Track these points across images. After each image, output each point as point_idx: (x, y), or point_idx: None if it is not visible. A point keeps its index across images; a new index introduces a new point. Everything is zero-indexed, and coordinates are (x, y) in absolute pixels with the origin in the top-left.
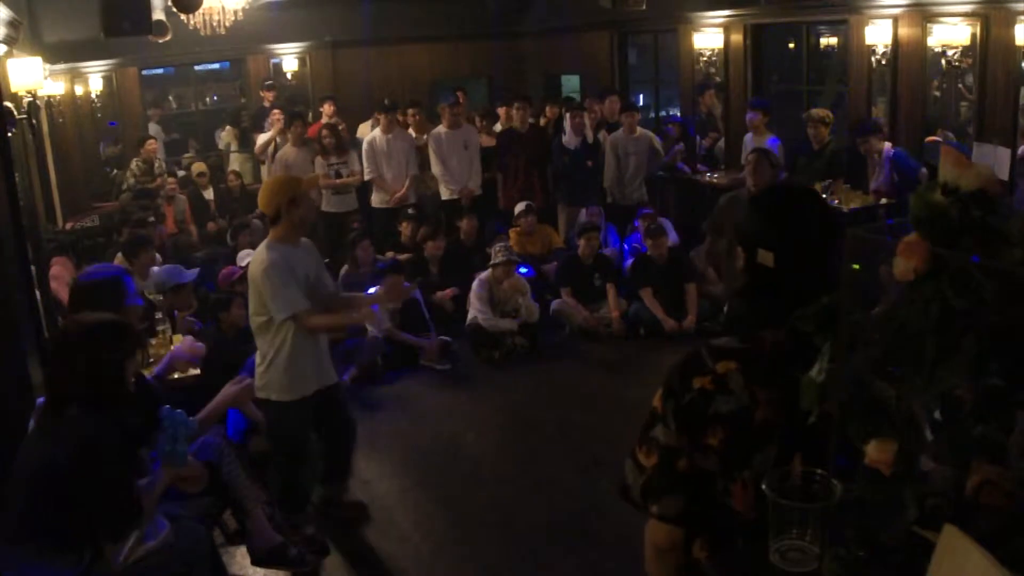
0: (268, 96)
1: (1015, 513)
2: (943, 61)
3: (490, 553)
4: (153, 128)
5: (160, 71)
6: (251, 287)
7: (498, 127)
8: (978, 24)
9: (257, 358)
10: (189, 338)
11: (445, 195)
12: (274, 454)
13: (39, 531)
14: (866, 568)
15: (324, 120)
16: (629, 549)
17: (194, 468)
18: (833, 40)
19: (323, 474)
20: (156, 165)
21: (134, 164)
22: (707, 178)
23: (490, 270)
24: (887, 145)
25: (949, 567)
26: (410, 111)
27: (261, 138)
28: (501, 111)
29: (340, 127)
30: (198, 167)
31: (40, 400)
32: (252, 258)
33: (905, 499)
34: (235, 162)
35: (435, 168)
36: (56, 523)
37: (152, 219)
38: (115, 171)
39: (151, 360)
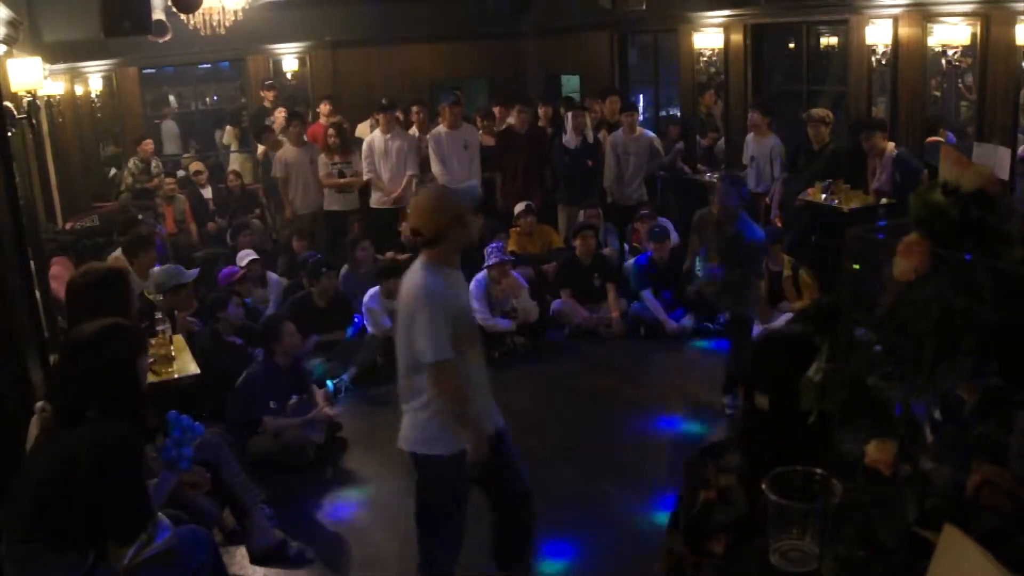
0: (268, 96)
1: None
2: (943, 61)
3: (489, 553)
4: (169, 125)
5: (160, 71)
6: (403, 314)
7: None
8: (978, 24)
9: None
10: (200, 469)
11: None
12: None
13: (46, 531)
14: (866, 568)
15: (322, 120)
16: (629, 549)
17: (198, 472)
18: (833, 40)
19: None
20: (153, 165)
21: (132, 163)
22: (707, 178)
23: (485, 271)
24: (891, 145)
25: (949, 567)
26: (414, 108)
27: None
28: (496, 110)
29: (344, 126)
30: (195, 166)
31: (38, 403)
32: (408, 281)
33: (905, 499)
34: (235, 162)
35: (435, 168)
36: (64, 524)
37: (140, 216)
38: (114, 171)
39: (151, 360)
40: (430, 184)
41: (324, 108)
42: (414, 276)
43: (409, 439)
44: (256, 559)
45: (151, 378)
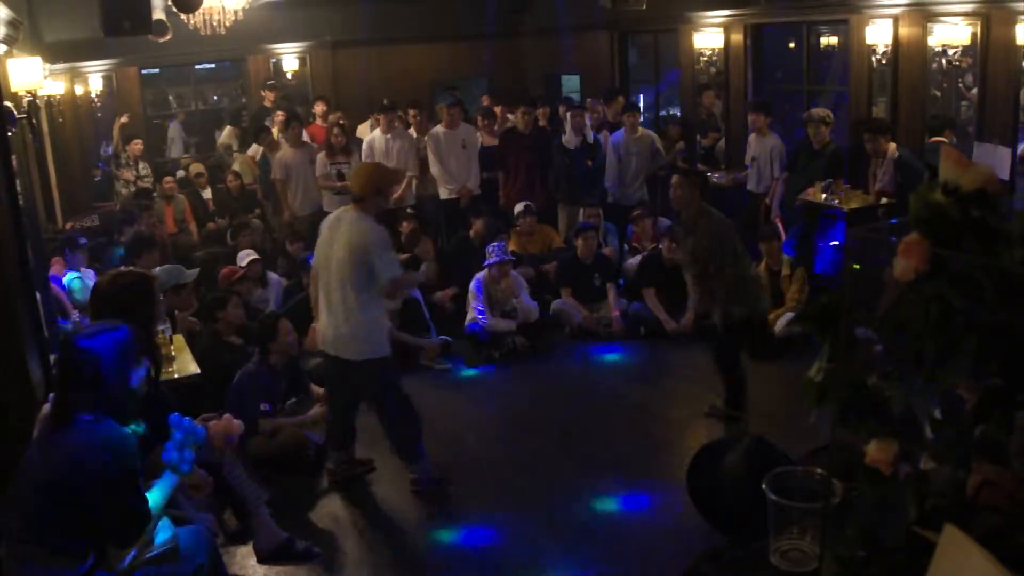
0: (269, 96)
1: (1015, 513)
2: (943, 61)
3: (490, 552)
4: (175, 128)
5: (160, 71)
6: (350, 254)
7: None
8: (978, 24)
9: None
10: (227, 416)
11: (444, 195)
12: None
13: (45, 532)
14: (866, 568)
15: (318, 120)
16: (629, 549)
17: (200, 475)
18: (834, 40)
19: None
20: (141, 167)
21: (123, 159)
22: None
23: (486, 270)
24: (892, 146)
25: (949, 567)
26: (411, 111)
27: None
28: (497, 110)
29: (343, 123)
30: (196, 167)
31: (45, 406)
32: (349, 225)
33: (905, 499)
34: (236, 162)
35: (433, 168)
36: (63, 526)
37: (125, 216)
38: (99, 175)
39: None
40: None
41: (319, 108)
42: (358, 223)
43: (358, 350)
44: (263, 558)
45: None
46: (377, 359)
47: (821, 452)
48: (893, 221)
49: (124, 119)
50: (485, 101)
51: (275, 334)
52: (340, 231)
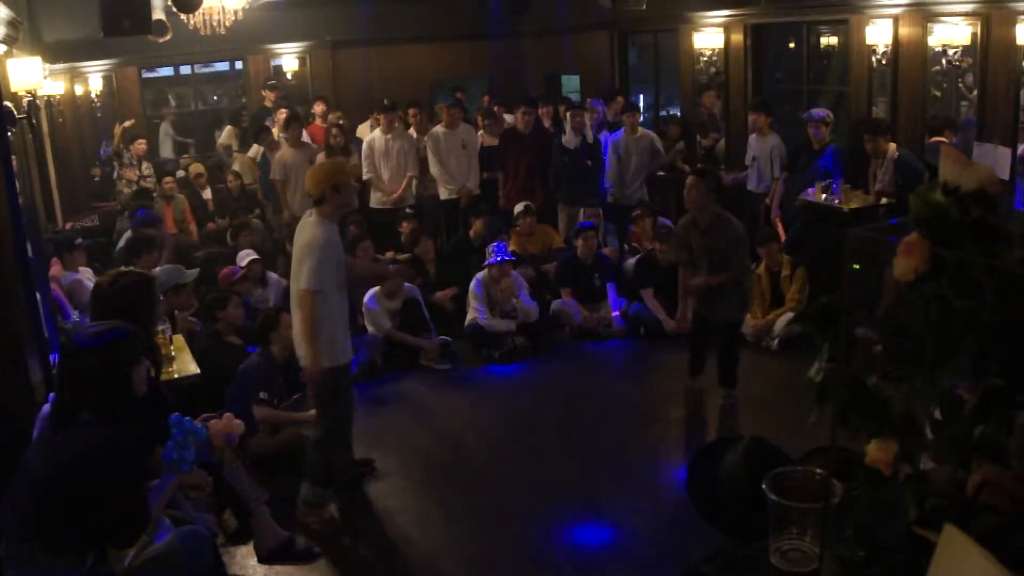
0: (270, 96)
1: (1015, 513)
2: (943, 61)
3: (490, 552)
4: (166, 129)
5: (160, 71)
6: (296, 255)
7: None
8: (979, 24)
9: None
10: (227, 416)
11: (443, 195)
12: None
13: (45, 532)
14: (866, 568)
15: (318, 120)
16: (629, 549)
17: (200, 475)
18: (834, 40)
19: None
20: (144, 166)
21: (125, 158)
22: None
23: (486, 270)
24: (892, 146)
25: (949, 567)
26: (411, 111)
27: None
28: (497, 110)
29: (342, 123)
30: (196, 168)
31: (45, 406)
32: (302, 230)
33: (905, 499)
34: (236, 162)
35: (433, 168)
36: (63, 526)
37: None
38: (97, 175)
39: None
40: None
41: (319, 108)
42: (310, 226)
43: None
44: (263, 558)
45: None
46: (327, 368)
47: (820, 452)
48: (893, 221)
49: (127, 124)
50: (486, 101)
51: (276, 325)
52: (300, 234)
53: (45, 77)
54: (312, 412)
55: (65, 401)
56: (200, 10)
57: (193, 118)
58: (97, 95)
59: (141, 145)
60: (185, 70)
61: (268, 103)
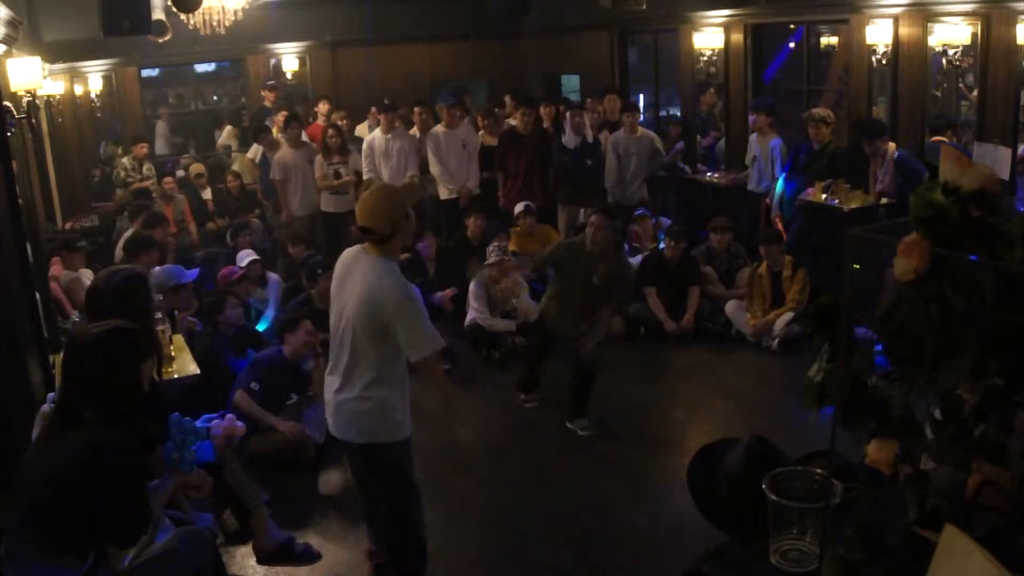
0: (270, 96)
1: (1015, 513)
2: (944, 61)
3: (490, 552)
4: (161, 127)
5: (160, 71)
6: (370, 312)
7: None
8: (979, 24)
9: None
10: (230, 417)
11: (443, 195)
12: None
13: (45, 532)
14: (866, 568)
15: (321, 120)
16: (629, 549)
17: (200, 475)
18: (834, 40)
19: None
20: (145, 168)
21: (125, 159)
22: (707, 178)
23: (486, 270)
24: (892, 147)
25: (949, 567)
26: (416, 109)
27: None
28: (497, 110)
29: (341, 123)
30: (196, 168)
31: (44, 405)
32: (370, 278)
33: (905, 499)
34: (236, 162)
35: (433, 168)
36: (64, 526)
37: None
38: (97, 175)
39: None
40: (376, 183)
41: (322, 107)
42: (378, 271)
43: (369, 430)
44: (263, 558)
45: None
46: (389, 443)
47: (819, 456)
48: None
49: (142, 151)
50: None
51: (295, 328)
52: (355, 277)
53: (45, 77)
54: (291, 424)
55: (67, 401)
56: (200, 10)
57: (193, 118)
58: (97, 95)
59: (143, 149)
60: (185, 70)
61: (268, 103)
